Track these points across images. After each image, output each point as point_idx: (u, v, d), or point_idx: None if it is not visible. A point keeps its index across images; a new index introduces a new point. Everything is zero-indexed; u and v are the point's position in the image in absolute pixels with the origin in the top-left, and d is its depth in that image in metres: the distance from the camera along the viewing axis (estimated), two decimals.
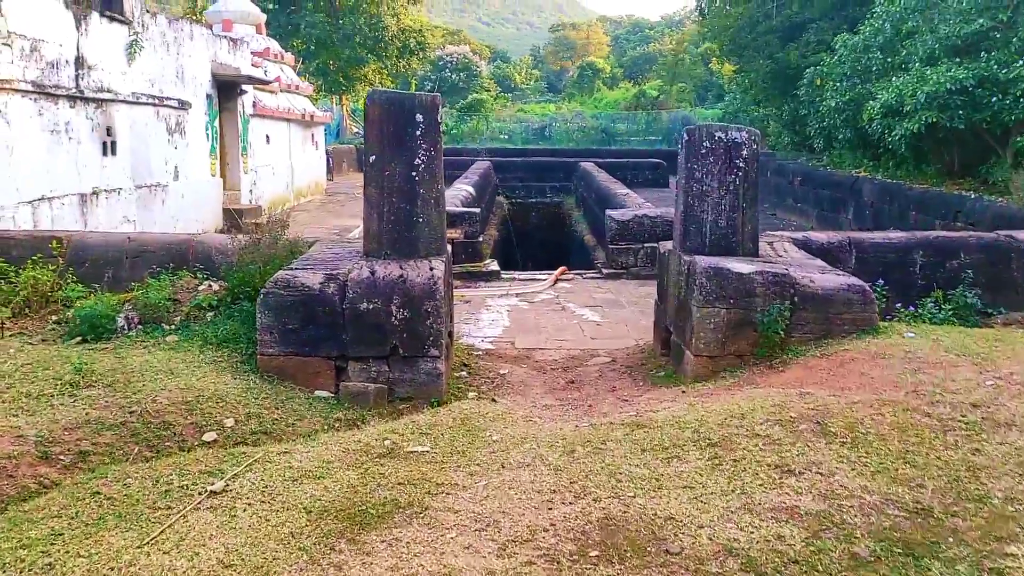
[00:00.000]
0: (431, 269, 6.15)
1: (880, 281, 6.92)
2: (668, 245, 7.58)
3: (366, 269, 6.14)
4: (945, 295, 7.24)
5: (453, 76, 62.42)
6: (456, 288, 9.06)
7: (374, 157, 6.41)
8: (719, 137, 6.57)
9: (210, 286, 7.25)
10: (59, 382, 5.22)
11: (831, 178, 18.52)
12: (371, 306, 5.96)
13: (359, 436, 4.63)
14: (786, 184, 21.28)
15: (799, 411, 4.47)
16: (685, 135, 6.76)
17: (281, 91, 21.86)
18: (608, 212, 12.96)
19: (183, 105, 14.64)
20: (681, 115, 45.07)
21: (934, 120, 12.57)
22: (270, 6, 36.49)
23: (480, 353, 7.83)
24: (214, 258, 7.53)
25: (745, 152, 6.57)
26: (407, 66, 43.74)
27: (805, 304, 5.99)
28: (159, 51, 13.81)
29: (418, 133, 6.37)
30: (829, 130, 18.54)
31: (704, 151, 6.59)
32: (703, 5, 28.52)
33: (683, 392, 5.69)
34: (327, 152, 28.05)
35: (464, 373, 7.00)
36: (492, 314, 9.63)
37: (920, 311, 6.99)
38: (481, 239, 13.08)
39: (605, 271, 12.35)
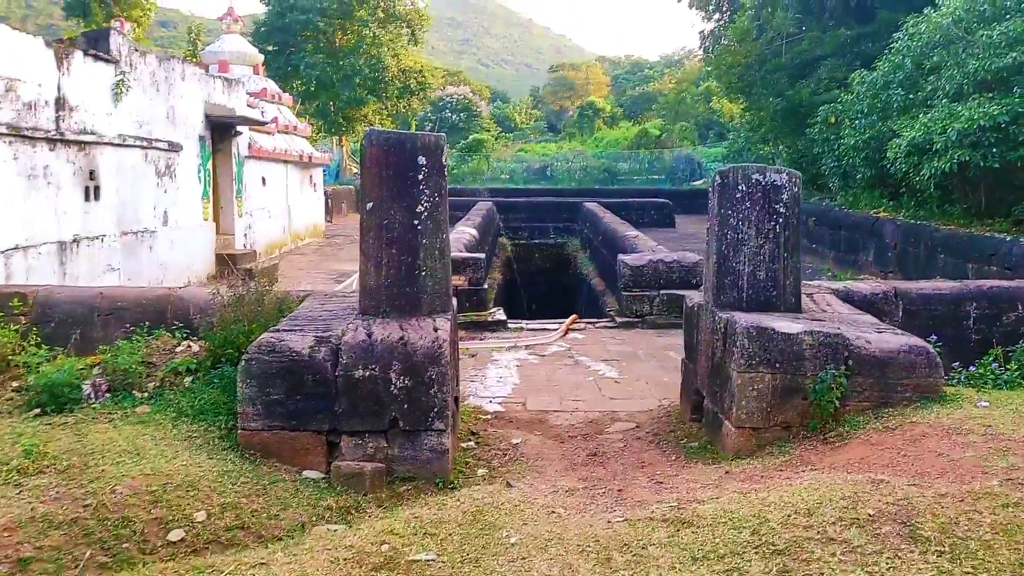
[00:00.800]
0: (435, 330, 5.43)
1: (933, 337, 6.20)
2: (695, 297, 6.88)
3: (362, 331, 5.42)
4: (1005, 352, 6.52)
5: (453, 116, 62.27)
6: (460, 340, 8.33)
7: (371, 204, 5.73)
8: (756, 180, 5.88)
9: (189, 347, 6.52)
10: (5, 468, 4.49)
11: (848, 218, 17.86)
12: (368, 373, 5.24)
13: (350, 540, 3.87)
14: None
15: (877, 507, 3.72)
16: (718, 177, 6.07)
17: (278, 132, 21.33)
18: (620, 257, 12.24)
19: (173, 147, 14.01)
20: (684, 154, 44.78)
21: (967, 159, 11.89)
22: (270, 47, 36.29)
23: (489, 417, 7.10)
24: (194, 316, 6.80)
25: (785, 196, 5.89)
26: (407, 106, 43.48)
27: (861, 368, 5.26)
28: (148, 91, 13.20)
29: (420, 177, 5.69)
30: (846, 169, 17.92)
31: (740, 195, 5.90)
32: (708, 43, 28.13)
33: (727, 473, 4.93)
34: (326, 194, 27.50)
35: (472, 443, 6.26)
36: (500, 370, 8.90)
37: (980, 371, 6.26)
38: (486, 286, 12.37)
39: (619, 320, 11.58)
